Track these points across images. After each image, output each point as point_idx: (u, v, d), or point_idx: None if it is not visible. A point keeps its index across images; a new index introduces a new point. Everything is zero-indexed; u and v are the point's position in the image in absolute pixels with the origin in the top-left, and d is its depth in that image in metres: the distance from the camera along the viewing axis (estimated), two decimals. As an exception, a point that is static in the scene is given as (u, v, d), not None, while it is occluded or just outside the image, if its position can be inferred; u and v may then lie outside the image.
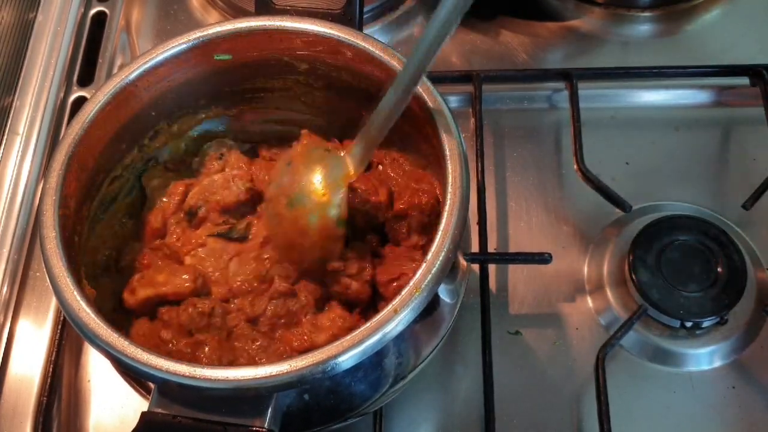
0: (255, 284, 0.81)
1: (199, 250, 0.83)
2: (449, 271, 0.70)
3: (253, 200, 0.86)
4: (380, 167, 0.89)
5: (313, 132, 0.88)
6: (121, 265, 0.85)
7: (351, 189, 0.83)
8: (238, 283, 0.82)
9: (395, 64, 0.80)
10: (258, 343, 0.78)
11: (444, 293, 0.79)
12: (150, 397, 0.68)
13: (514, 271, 0.97)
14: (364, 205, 0.83)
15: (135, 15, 1.20)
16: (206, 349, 0.77)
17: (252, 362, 0.76)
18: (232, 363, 0.76)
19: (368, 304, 0.82)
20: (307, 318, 0.80)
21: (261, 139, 0.93)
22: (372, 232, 0.84)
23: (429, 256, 0.69)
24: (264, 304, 0.80)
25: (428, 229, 0.82)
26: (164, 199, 0.88)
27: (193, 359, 0.75)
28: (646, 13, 1.15)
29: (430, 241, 0.72)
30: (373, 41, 0.81)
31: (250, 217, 0.86)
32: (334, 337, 0.67)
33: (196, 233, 0.84)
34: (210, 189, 0.87)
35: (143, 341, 0.77)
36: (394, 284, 0.78)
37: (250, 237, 0.85)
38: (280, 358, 0.74)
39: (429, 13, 1.17)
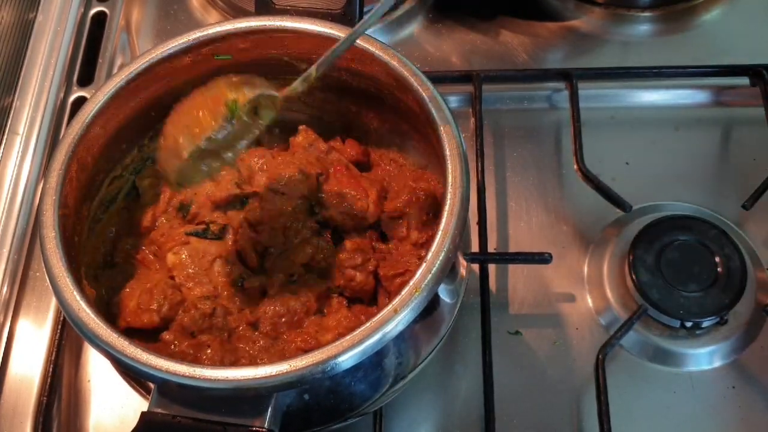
0: (232, 290, 0.81)
1: (183, 248, 0.83)
2: (449, 271, 0.71)
3: (243, 196, 0.86)
4: (380, 165, 0.89)
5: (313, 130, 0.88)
6: (116, 261, 0.85)
7: (339, 193, 0.83)
8: (222, 282, 0.81)
9: (395, 63, 0.80)
10: (260, 344, 0.78)
11: (444, 293, 0.79)
12: (150, 397, 0.68)
13: (514, 271, 0.97)
14: (350, 208, 0.83)
15: (135, 15, 1.20)
16: (209, 351, 0.77)
17: (254, 363, 0.76)
18: (234, 364, 0.76)
19: (370, 299, 0.82)
20: (313, 318, 0.80)
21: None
22: (369, 229, 0.84)
23: (429, 255, 0.69)
24: (263, 304, 0.80)
25: (428, 226, 0.82)
26: (156, 198, 0.88)
27: (195, 361, 0.75)
28: (646, 13, 1.15)
29: (430, 238, 0.72)
30: (373, 41, 0.81)
31: (228, 215, 0.86)
32: (341, 337, 0.67)
33: (178, 231, 0.84)
34: None
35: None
36: (399, 280, 0.78)
37: (227, 237, 0.85)
38: (283, 358, 0.74)
39: (429, 14, 1.17)
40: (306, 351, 0.69)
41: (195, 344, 0.77)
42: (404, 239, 0.82)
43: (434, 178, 0.84)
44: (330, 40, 0.82)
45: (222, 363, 0.75)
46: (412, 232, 0.82)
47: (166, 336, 0.78)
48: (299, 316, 0.79)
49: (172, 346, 0.77)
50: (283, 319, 0.79)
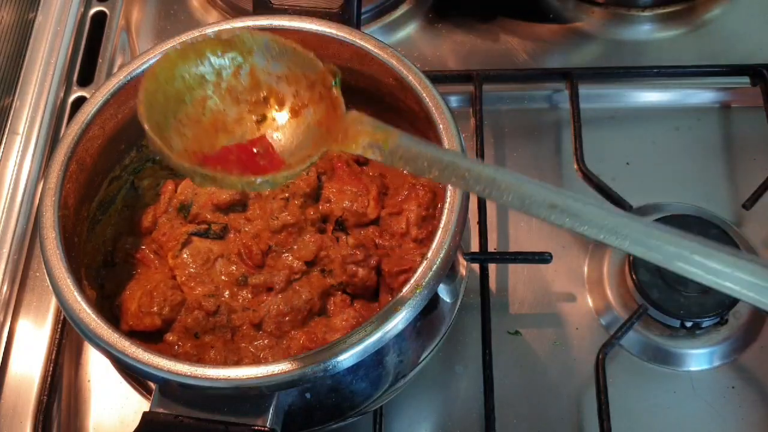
0: (235, 289, 0.81)
1: (185, 248, 0.83)
2: (449, 270, 0.71)
3: (244, 199, 0.86)
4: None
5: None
6: (115, 260, 0.85)
7: (341, 190, 0.83)
8: (224, 281, 0.81)
9: (393, 62, 0.80)
10: (264, 343, 0.78)
11: (444, 292, 0.79)
12: (151, 397, 0.68)
13: (514, 271, 0.97)
14: (352, 205, 0.83)
15: (135, 15, 1.20)
16: (212, 352, 0.77)
17: (257, 362, 0.76)
18: (237, 363, 0.76)
19: (372, 295, 0.82)
20: (319, 319, 0.80)
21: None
22: (370, 225, 0.84)
23: (429, 254, 0.69)
24: (267, 303, 0.80)
25: (427, 221, 0.82)
26: (156, 198, 0.88)
27: (199, 362, 0.75)
28: (646, 13, 1.15)
29: (430, 234, 0.72)
30: (371, 39, 0.81)
31: (228, 218, 0.86)
32: None
33: (180, 231, 0.84)
34: None
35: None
36: (403, 277, 0.78)
37: (228, 236, 0.85)
38: (287, 357, 0.74)
39: (428, 14, 1.17)
40: (311, 350, 0.69)
41: (199, 345, 0.77)
42: (404, 235, 0.82)
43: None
44: (328, 39, 0.82)
45: (226, 363, 0.75)
46: (411, 227, 0.82)
47: (170, 337, 0.78)
48: (303, 315, 0.79)
49: (176, 347, 0.77)
50: (287, 318, 0.79)
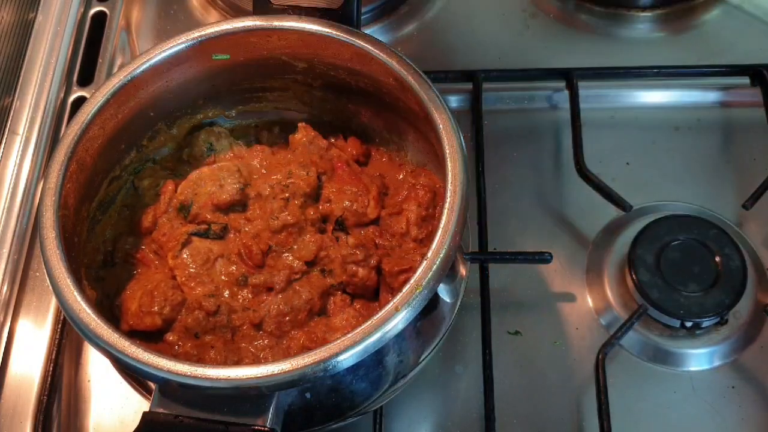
0: (235, 289, 0.81)
1: (185, 248, 0.83)
2: (449, 270, 0.71)
3: (244, 199, 0.86)
4: (379, 162, 0.89)
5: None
6: (115, 260, 0.85)
7: (341, 190, 0.83)
8: (224, 281, 0.81)
9: (393, 62, 0.80)
10: (264, 343, 0.78)
11: (444, 292, 0.79)
12: (151, 397, 0.68)
13: (514, 271, 0.97)
14: (352, 205, 0.83)
15: (135, 15, 1.20)
16: (212, 352, 0.77)
17: (257, 362, 0.76)
18: (238, 363, 0.76)
19: (372, 295, 0.82)
20: (319, 319, 0.80)
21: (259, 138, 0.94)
22: (370, 225, 0.84)
23: (429, 254, 0.69)
24: (267, 303, 0.80)
25: (427, 221, 0.82)
26: (156, 198, 0.88)
27: (199, 362, 0.75)
28: (646, 13, 1.15)
29: (430, 234, 0.72)
30: (371, 39, 0.81)
31: (228, 218, 0.86)
32: None
33: (180, 231, 0.84)
34: (198, 183, 0.86)
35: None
36: (403, 276, 0.78)
37: (228, 236, 0.85)
38: (287, 357, 0.74)
39: (428, 13, 1.17)
40: (311, 350, 0.69)
41: (199, 345, 0.77)
42: (404, 235, 0.82)
43: (433, 173, 0.84)
44: (328, 39, 0.82)
45: (226, 363, 0.75)
46: (411, 227, 0.82)
47: (170, 337, 0.78)
48: (303, 314, 0.79)
49: (176, 347, 0.77)
50: (287, 318, 0.79)
